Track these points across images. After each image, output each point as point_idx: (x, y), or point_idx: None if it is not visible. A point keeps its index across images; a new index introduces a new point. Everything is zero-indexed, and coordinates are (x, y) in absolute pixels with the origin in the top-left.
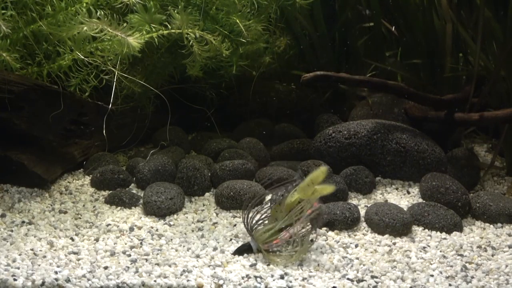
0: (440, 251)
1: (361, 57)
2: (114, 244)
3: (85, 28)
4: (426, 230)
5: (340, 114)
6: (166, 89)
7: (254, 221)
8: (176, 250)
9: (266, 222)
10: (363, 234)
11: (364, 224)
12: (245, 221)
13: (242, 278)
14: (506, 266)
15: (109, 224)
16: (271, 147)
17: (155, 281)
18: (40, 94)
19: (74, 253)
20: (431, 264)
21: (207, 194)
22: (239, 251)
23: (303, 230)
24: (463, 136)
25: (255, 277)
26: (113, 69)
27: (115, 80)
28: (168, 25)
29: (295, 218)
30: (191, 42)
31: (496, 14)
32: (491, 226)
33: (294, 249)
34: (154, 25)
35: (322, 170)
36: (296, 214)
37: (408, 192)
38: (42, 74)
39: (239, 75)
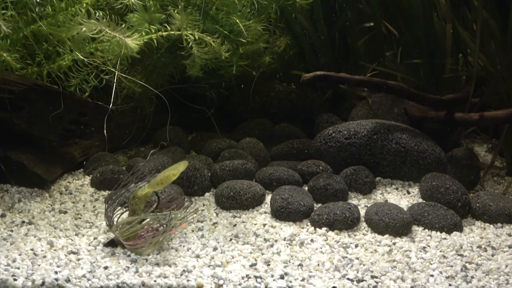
0: (440, 251)
1: (361, 57)
2: None
3: (84, 29)
4: (426, 230)
5: (340, 114)
6: (166, 89)
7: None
8: (176, 250)
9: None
10: (363, 234)
11: (364, 224)
12: (106, 215)
13: (242, 278)
14: (506, 266)
15: None
16: (271, 147)
17: (155, 281)
18: (40, 94)
19: (74, 253)
20: (431, 264)
21: (207, 194)
22: (107, 245)
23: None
24: (463, 136)
25: (255, 277)
26: (112, 69)
27: (115, 80)
28: (167, 26)
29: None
30: (190, 44)
31: (493, 14)
32: (491, 226)
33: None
34: (153, 26)
35: (177, 170)
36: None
37: (408, 192)
38: (42, 74)
39: (239, 75)
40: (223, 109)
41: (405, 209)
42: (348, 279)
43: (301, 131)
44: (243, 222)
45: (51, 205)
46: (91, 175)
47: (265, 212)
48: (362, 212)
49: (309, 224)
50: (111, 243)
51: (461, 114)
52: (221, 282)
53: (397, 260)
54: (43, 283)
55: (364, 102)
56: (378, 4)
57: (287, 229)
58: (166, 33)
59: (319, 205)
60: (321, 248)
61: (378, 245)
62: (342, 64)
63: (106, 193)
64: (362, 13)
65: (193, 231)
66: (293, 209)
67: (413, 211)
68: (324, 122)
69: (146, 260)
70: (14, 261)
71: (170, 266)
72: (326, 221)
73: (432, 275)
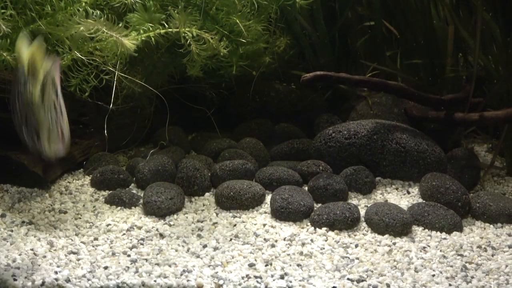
0: (440, 251)
1: (361, 57)
2: (114, 244)
3: (81, 28)
4: (426, 230)
5: (340, 114)
6: (166, 89)
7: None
8: (176, 250)
9: None
10: (363, 234)
11: (364, 224)
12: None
13: (242, 278)
14: (506, 266)
15: (109, 224)
16: (271, 147)
17: (155, 281)
18: None
19: (74, 253)
20: (431, 264)
21: (207, 194)
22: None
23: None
24: (463, 136)
25: (255, 277)
26: (112, 69)
27: (115, 80)
28: (166, 24)
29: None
30: (188, 41)
31: (494, 14)
32: (491, 226)
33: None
34: (152, 24)
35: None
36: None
37: (408, 192)
38: None
39: (239, 75)
40: (223, 109)
41: (405, 209)
42: (348, 279)
43: (301, 131)
44: (243, 222)
45: (51, 205)
46: (91, 175)
47: (265, 212)
48: (362, 212)
49: (309, 224)
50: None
51: (461, 114)
52: (221, 282)
53: (397, 260)
54: (43, 283)
55: (364, 102)
56: (379, 4)
57: (287, 229)
58: (164, 30)
59: (319, 205)
60: (321, 248)
61: (378, 245)
62: (342, 64)
63: (106, 193)
64: (362, 12)
65: (193, 231)
66: (293, 209)
67: (413, 211)
68: (324, 122)
69: (146, 260)
70: (14, 261)
71: (170, 266)
72: (326, 221)
73: (432, 275)
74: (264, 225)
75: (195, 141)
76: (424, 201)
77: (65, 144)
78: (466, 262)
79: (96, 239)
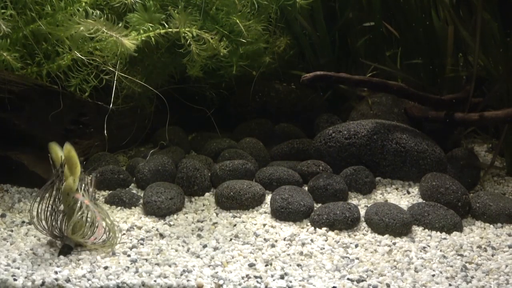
0: (440, 251)
1: (361, 57)
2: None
3: (81, 28)
4: (426, 230)
5: (340, 114)
6: (166, 89)
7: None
8: (176, 250)
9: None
10: (363, 234)
11: (364, 224)
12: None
13: (242, 278)
14: (506, 266)
15: None
16: (271, 147)
17: (155, 281)
18: (40, 94)
19: (74, 253)
20: (431, 264)
21: (207, 194)
22: (63, 253)
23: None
24: (463, 136)
25: (255, 277)
26: (112, 69)
27: (115, 80)
28: (166, 24)
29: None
30: (188, 41)
31: (493, 14)
32: (491, 226)
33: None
34: (152, 24)
35: (67, 150)
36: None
37: (408, 192)
38: (42, 74)
39: (239, 75)
40: (223, 109)
41: (405, 209)
42: (348, 279)
43: (301, 131)
44: (243, 222)
45: None
46: (91, 175)
47: (265, 212)
48: (362, 212)
49: (309, 224)
50: (67, 248)
51: (461, 114)
52: (221, 282)
53: (397, 260)
54: (43, 283)
55: (364, 102)
56: (379, 4)
57: (287, 229)
58: (164, 30)
59: (319, 205)
60: (321, 248)
61: (378, 245)
62: (342, 64)
63: (106, 193)
64: (363, 12)
65: (193, 231)
66: (293, 209)
67: (413, 211)
68: (324, 122)
69: (146, 260)
70: (14, 261)
71: (170, 266)
72: (326, 221)
73: (432, 275)
74: (264, 225)
75: (195, 141)
76: (424, 201)
77: (106, 235)
78: (466, 262)
79: (96, 239)
